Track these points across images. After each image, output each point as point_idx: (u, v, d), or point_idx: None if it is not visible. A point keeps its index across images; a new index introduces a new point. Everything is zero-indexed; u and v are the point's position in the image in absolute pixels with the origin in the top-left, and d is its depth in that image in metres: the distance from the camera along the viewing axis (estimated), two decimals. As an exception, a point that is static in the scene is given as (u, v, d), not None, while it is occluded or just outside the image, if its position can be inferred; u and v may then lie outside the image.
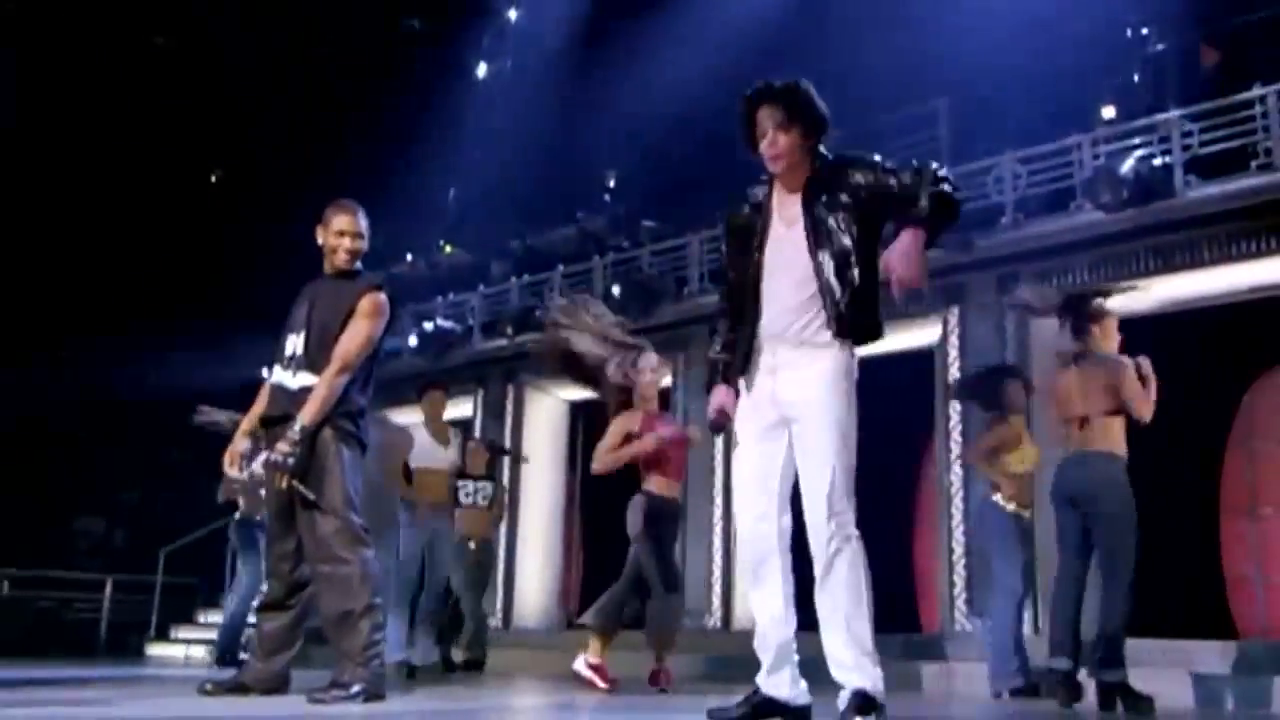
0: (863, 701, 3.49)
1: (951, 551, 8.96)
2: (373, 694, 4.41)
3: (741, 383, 3.77)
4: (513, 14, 16.60)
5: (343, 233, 4.80)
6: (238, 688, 4.66)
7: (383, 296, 4.78)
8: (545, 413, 12.67)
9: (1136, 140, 8.64)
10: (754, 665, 3.75)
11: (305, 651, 4.95)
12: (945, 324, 9.36)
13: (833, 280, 3.61)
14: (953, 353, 9.27)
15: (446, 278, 14.14)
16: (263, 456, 4.63)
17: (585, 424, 12.81)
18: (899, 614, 9.24)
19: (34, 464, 15.38)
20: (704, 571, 10.30)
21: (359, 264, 4.88)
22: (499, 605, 11.71)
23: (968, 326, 9.24)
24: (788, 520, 3.70)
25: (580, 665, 6.52)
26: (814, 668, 3.68)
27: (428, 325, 12.86)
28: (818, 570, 3.58)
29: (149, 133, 15.85)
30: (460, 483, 8.51)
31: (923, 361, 9.47)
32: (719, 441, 9.64)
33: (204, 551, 11.26)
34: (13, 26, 15.05)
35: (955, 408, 9.14)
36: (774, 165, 3.71)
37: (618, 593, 6.65)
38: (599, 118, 13.54)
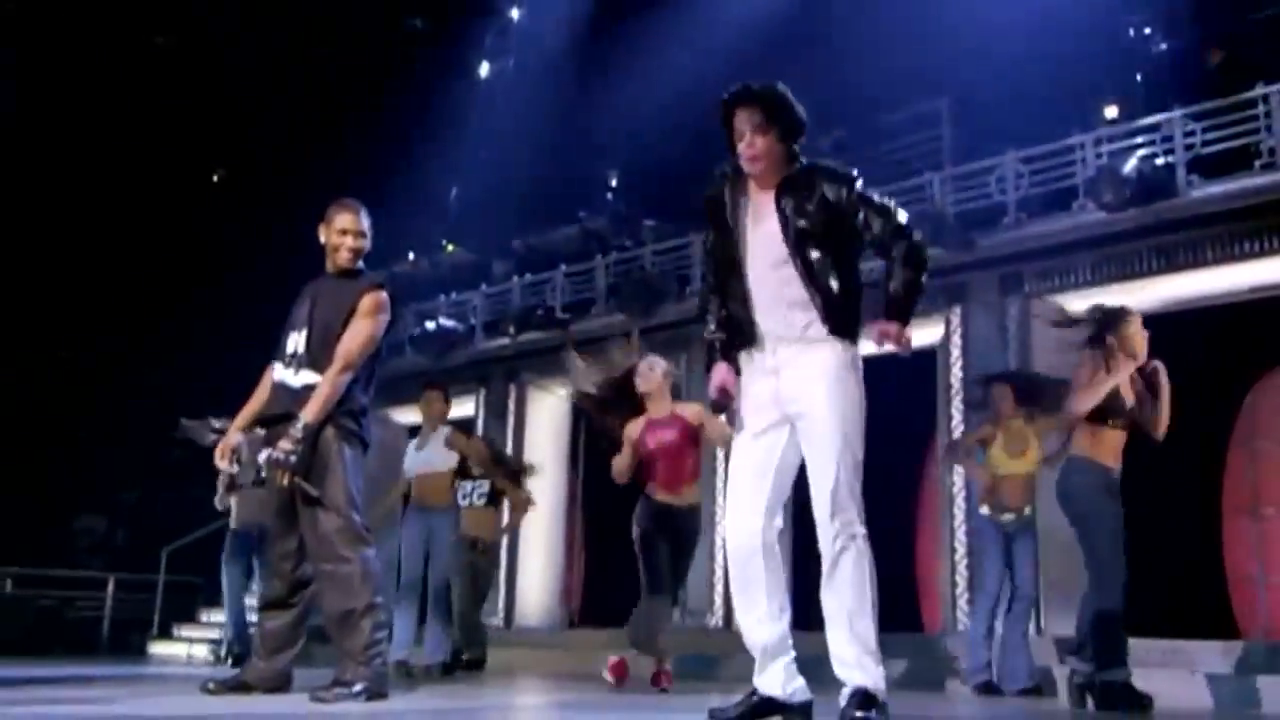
0: (863, 699, 3.49)
1: (953, 551, 8.96)
2: (375, 693, 4.41)
3: (745, 380, 3.77)
4: (515, 13, 16.60)
5: (345, 231, 4.80)
6: (240, 686, 4.65)
7: (384, 295, 4.78)
8: (547, 412, 12.67)
9: (1139, 140, 8.64)
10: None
11: (307, 650, 4.95)
12: (948, 323, 9.36)
13: (818, 280, 3.61)
14: (955, 352, 9.28)
15: (448, 277, 14.15)
16: (265, 453, 4.61)
17: (587, 423, 12.80)
18: (901, 613, 9.24)
19: (36, 462, 15.39)
20: (705, 571, 10.30)
21: (361, 263, 4.88)
22: (500, 604, 11.72)
23: (970, 326, 9.24)
24: (780, 520, 3.70)
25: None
26: (815, 665, 3.68)
27: (430, 324, 12.86)
28: (824, 568, 3.58)
29: (150, 133, 15.86)
30: (458, 483, 8.45)
31: (925, 361, 9.46)
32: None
33: (206, 550, 11.24)
34: (13, 26, 15.05)
35: (957, 407, 9.15)
36: (751, 166, 3.72)
37: (639, 605, 6.68)
38: (601, 117, 13.55)
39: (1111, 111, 9.44)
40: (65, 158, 15.64)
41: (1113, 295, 8.82)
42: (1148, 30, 10.07)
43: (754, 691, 3.67)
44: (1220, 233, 8.16)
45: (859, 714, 3.45)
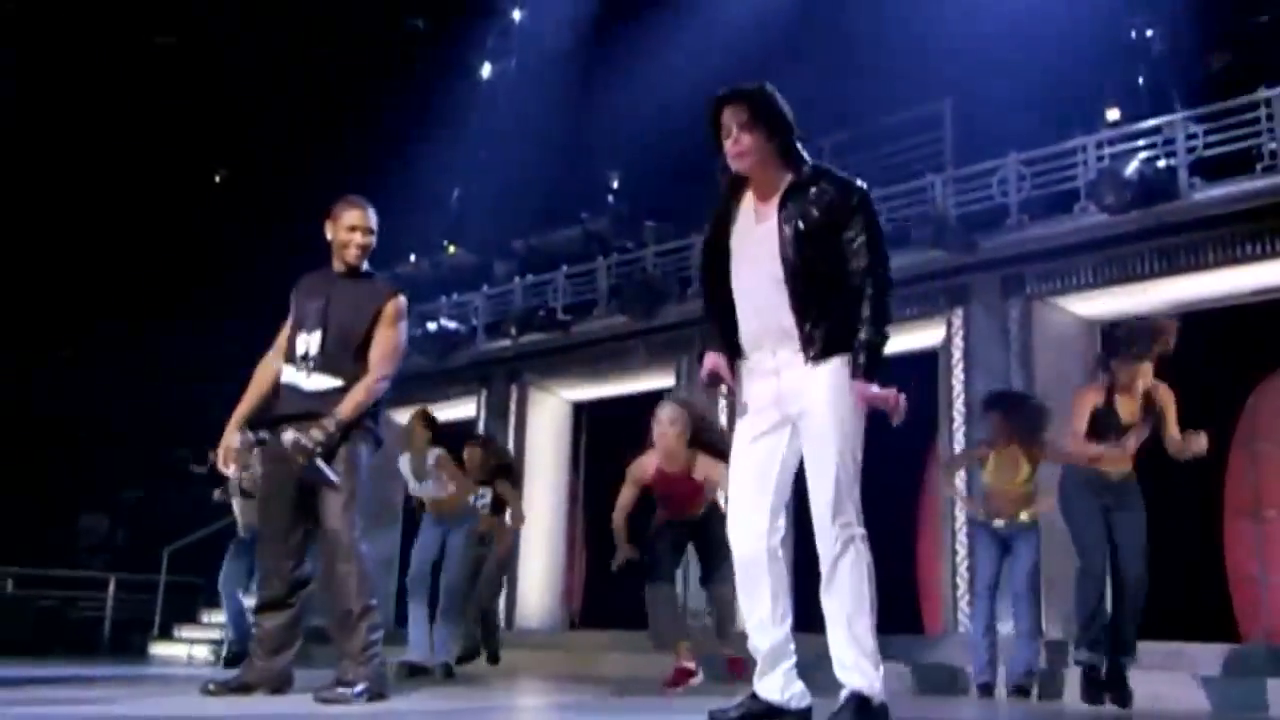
0: (859, 703, 3.49)
1: (954, 553, 8.96)
2: (375, 693, 4.42)
3: (745, 381, 3.77)
4: (517, 14, 16.60)
5: (354, 228, 4.77)
6: (241, 687, 4.65)
7: (404, 300, 4.84)
8: (549, 413, 12.68)
9: (1141, 142, 8.64)
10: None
11: (306, 650, 4.95)
12: (949, 325, 9.36)
13: (817, 289, 3.62)
14: (957, 354, 9.28)
15: (450, 278, 14.15)
16: (290, 435, 4.51)
17: (589, 424, 12.83)
18: (902, 616, 9.24)
19: (37, 462, 15.40)
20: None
21: (366, 261, 4.87)
22: (501, 605, 11.71)
23: (972, 328, 9.24)
24: (783, 521, 3.70)
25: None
26: (815, 669, 3.68)
27: (431, 325, 12.87)
28: (823, 570, 3.58)
29: (151, 133, 15.87)
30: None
31: (927, 363, 9.47)
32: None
33: (207, 551, 11.25)
34: (14, 26, 15.06)
35: (959, 409, 9.15)
36: (738, 163, 3.74)
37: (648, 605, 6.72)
38: (603, 118, 13.54)
39: (1113, 114, 9.44)
40: (66, 158, 15.64)
41: (1114, 297, 8.87)
42: (1149, 33, 10.06)
43: (753, 695, 3.67)
44: (1222, 235, 8.15)
45: (854, 718, 3.45)
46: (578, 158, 13.98)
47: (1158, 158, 8.43)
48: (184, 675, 8.01)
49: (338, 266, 4.82)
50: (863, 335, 3.59)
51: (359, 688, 4.37)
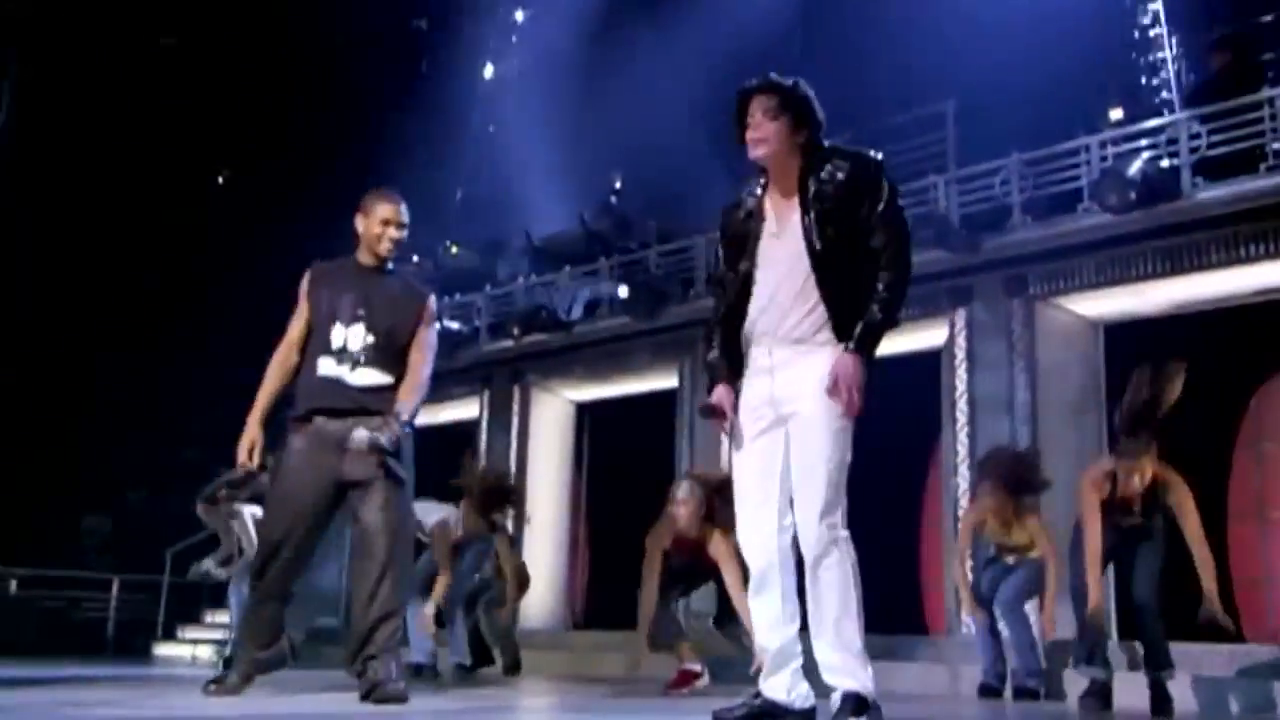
0: (857, 704, 3.48)
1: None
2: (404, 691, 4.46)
3: (742, 384, 3.76)
4: (520, 15, 16.61)
5: (388, 222, 4.75)
6: (245, 680, 4.62)
7: (435, 301, 4.93)
8: (552, 413, 12.67)
9: (1144, 142, 8.61)
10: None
11: (314, 650, 4.95)
12: (952, 326, 9.34)
13: (826, 279, 3.60)
14: (959, 354, 9.26)
15: (453, 278, 14.15)
16: (361, 433, 4.49)
17: (592, 425, 12.83)
18: (905, 616, 9.23)
19: (41, 463, 15.41)
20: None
21: None
22: (504, 606, 11.71)
23: (975, 328, 9.22)
24: (790, 521, 3.69)
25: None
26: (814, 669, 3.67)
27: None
28: (808, 570, 3.56)
29: (154, 134, 15.88)
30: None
31: (929, 363, 9.45)
32: (725, 444, 9.65)
33: (211, 552, 11.25)
34: (19, 27, 15.07)
35: (961, 409, 9.13)
36: (755, 149, 3.68)
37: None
38: (606, 119, 13.55)
39: (1116, 114, 9.42)
40: (69, 158, 15.66)
41: (1117, 298, 8.86)
42: (1153, 32, 10.05)
43: (758, 694, 3.67)
44: (1225, 235, 8.13)
45: (853, 718, 3.45)
46: (580, 158, 13.98)
47: (1161, 157, 8.41)
48: (189, 676, 8.02)
49: (366, 260, 4.78)
50: (872, 312, 3.56)
51: (402, 682, 4.40)
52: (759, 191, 3.78)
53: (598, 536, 12.53)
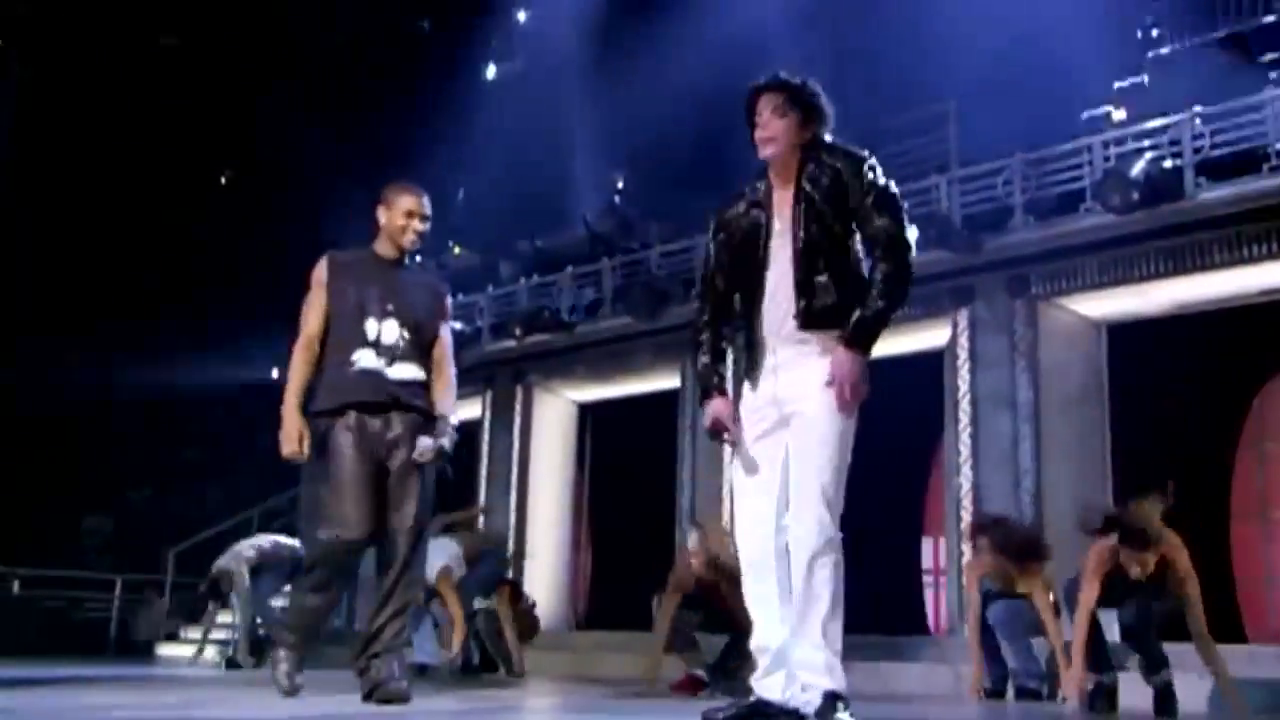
0: (838, 701, 3.48)
1: (960, 554, 8.93)
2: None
3: (745, 384, 3.75)
4: (522, 15, 16.61)
5: (411, 213, 4.69)
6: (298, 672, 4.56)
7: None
8: (554, 414, 12.68)
9: (1147, 142, 8.61)
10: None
11: (319, 650, 4.94)
12: (955, 326, 9.34)
13: (813, 276, 3.59)
14: (962, 355, 9.26)
15: (455, 279, 14.16)
16: (428, 442, 4.53)
17: (594, 425, 12.83)
18: (907, 616, 9.22)
19: (43, 463, 15.43)
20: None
21: None
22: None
23: (977, 328, 9.22)
24: (789, 521, 3.68)
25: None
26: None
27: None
28: (798, 569, 3.54)
29: (157, 134, 15.89)
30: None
31: (932, 363, 9.45)
32: (727, 447, 9.66)
33: (213, 552, 11.27)
34: (22, 27, 15.09)
35: (964, 409, 9.13)
36: (764, 148, 3.68)
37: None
38: (607, 119, 13.55)
39: (1119, 114, 9.42)
40: (69, 158, 15.67)
41: (1120, 298, 8.86)
42: (1155, 32, 10.04)
43: (750, 692, 3.66)
44: (1228, 235, 8.13)
45: (836, 715, 3.44)
46: (582, 159, 13.99)
47: (1163, 158, 8.40)
48: (191, 676, 8.03)
49: (387, 252, 4.72)
50: (868, 304, 3.55)
51: (404, 681, 4.39)
52: (760, 188, 3.77)
53: (600, 536, 12.54)
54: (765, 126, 3.65)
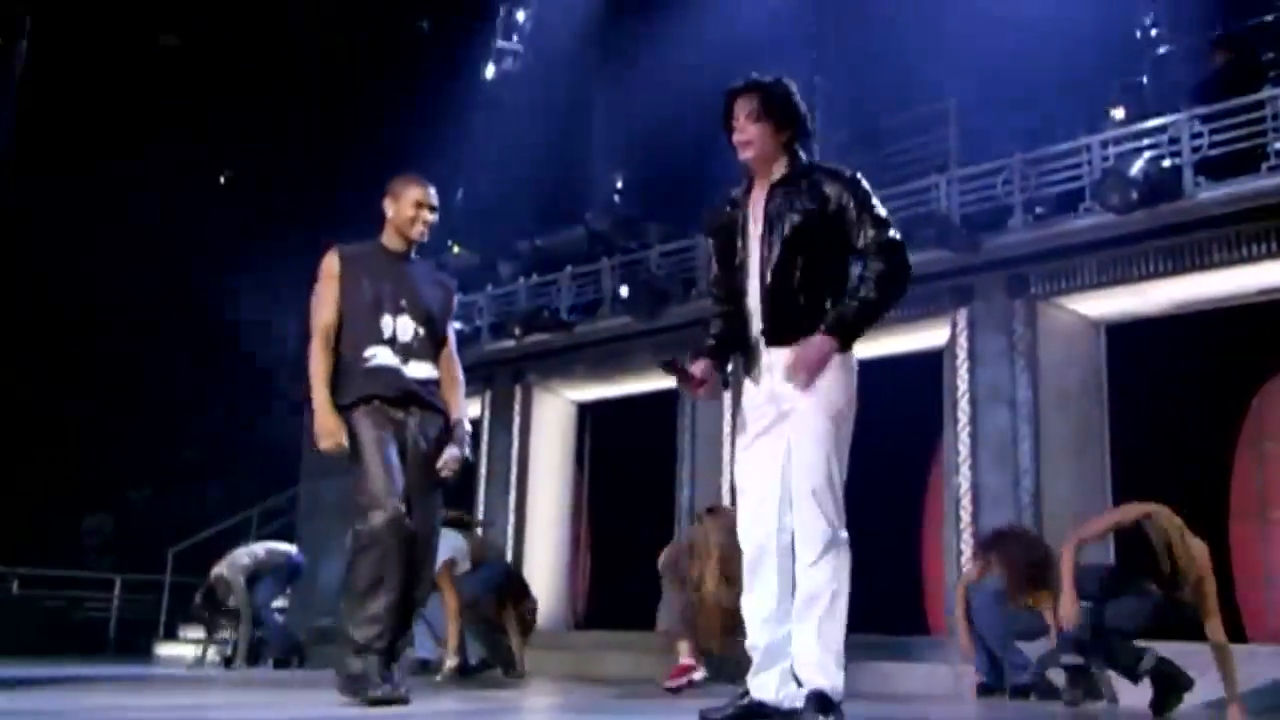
0: (821, 702, 3.47)
1: (960, 554, 8.93)
2: None
3: (747, 380, 3.78)
4: (521, 14, 16.60)
5: (420, 204, 4.66)
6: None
7: None
8: (553, 413, 12.68)
9: (1146, 141, 8.61)
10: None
11: (314, 652, 4.94)
12: (954, 325, 9.34)
13: (785, 280, 3.62)
14: (961, 354, 9.26)
15: (454, 278, 14.15)
16: (453, 452, 4.53)
17: (593, 425, 12.83)
18: (908, 616, 9.22)
19: (43, 462, 15.43)
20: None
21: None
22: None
23: (976, 328, 9.22)
24: (790, 520, 3.69)
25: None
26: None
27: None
28: (801, 565, 3.55)
29: (156, 133, 15.89)
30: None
31: (931, 362, 9.45)
32: (725, 442, 9.68)
33: (213, 551, 11.30)
34: (20, 26, 15.08)
35: (963, 409, 9.13)
36: (742, 153, 3.75)
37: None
38: (607, 119, 13.55)
39: (1118, 113, 9.42)
40: (69, 158, 15.67)
41: (1119, 297, 8.86)
42: (1154, 31, 10.04)
43: (745, 693, 3.65)
44: (1227, 235, 8.13)
45: (818, 716, 3.44)
46: (582, 158, 13.98)
47: (1163, 157, 8.40)
48: (191, 676, 8.03)
49: (395, 244, 4.68)
50: (854, 295, 3.60)
51: (404, 686, 4.36)
52: (742, 192, 3.83)
53: (599, 536, 12.54)
54: (742, 130, 3.72)
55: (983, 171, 9.38)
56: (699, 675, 6.74)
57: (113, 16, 15.48)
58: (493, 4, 16.38)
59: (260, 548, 10.32)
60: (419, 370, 4.54)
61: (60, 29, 15.18)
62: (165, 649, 12.54)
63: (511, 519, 12.09)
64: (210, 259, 15.97)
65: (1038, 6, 9.91)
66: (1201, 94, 8.68)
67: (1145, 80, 9.76)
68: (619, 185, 13.90)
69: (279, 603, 11.00)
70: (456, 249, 14.81)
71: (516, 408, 12.51)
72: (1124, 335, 9.17)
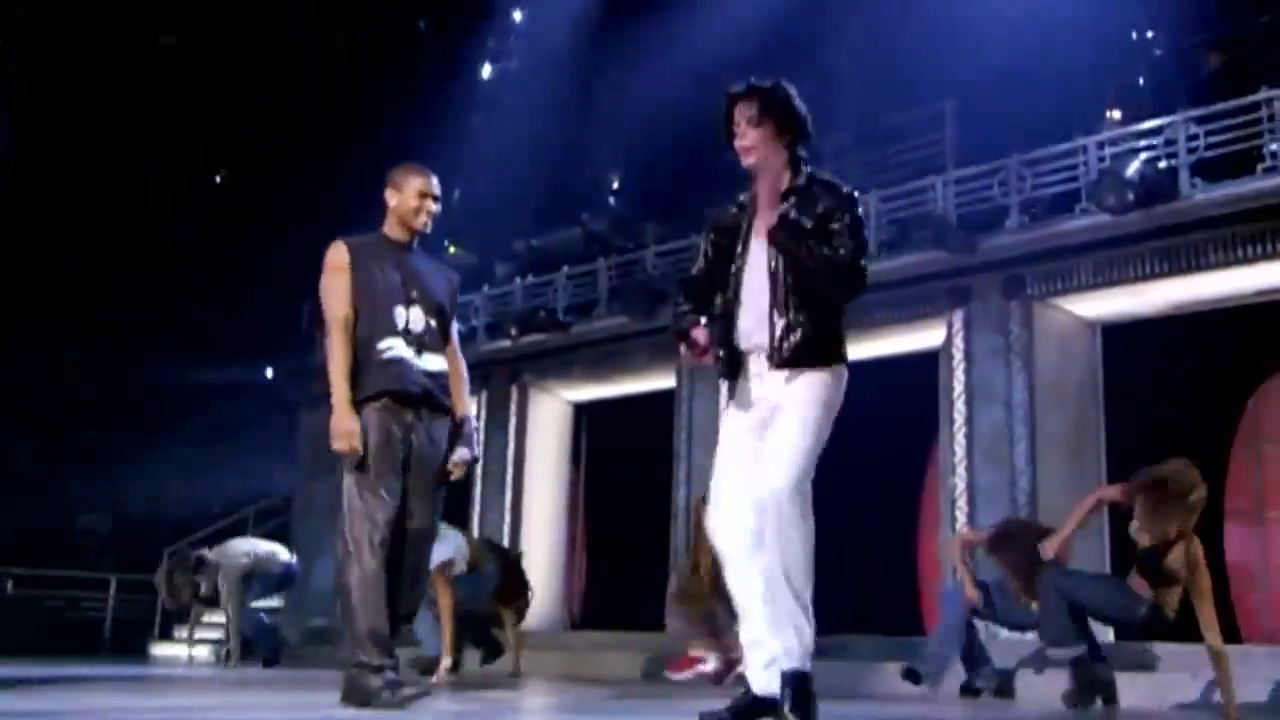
0: (794, 679, 3.51)
1: (956, 554, 8.94)
2: None
3: (731, 382, 3.79)
4: (518, 15, 16.61)
5: (424, 194, 4.58)
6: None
7: None
8: (549, 413, 12.68)
9: (1142, 143, 8.63)
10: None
11: (312, 651, 4.94)
12: (950, 326, 9.36)
13: (790, 295, 3.62)
14: (957, 355, 9.27)
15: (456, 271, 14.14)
16: (465, 452, 4.49)
17: (589, 425, 12.83)
18: (904, 616, 9.22)
19: (39, 461, 15.41)
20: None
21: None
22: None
23: (972, 328, 9.24)
24: (759, 515, 3.66)
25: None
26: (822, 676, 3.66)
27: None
28: (769, 514, 3.52)
29: (154, 133, 15.88)
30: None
31: (927, 363, 9.47)
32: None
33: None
34: (20, 25, 15.07)
35: (959, 410, 9.14)
36: (744, 158, 3.74)
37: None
38: (603, 119, 13.55)
39: (1115, 114, 9.44)
40: (68, 157, 15.66)
41: (1115, 298, 8.88)
42: (1150, 33, 10.06)
43: (746, 691, 3.64)
44: (1223, 236, 8.15)
45: (791, 699, 3.49)
46: (578, 159, 13.99)
47: (1159, 158, 8.42)
48: (186, 676, 8.03)
49: (399, 235, 4.59)
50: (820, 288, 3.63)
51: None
52: (749, 198, 3.82)
53: (595, 537, 12.54)
54: (742, 136, 3.71)
55: (979, 173, 9.40)
56: (706, 668, 6.77)
57: (112, 16, 15.47)
58: (490, 4, 16.38)
59: (261, 548, 10.25)
60: (431, 362, 4.47)
61: (60, 29, 15.18)
62: (160, 649, 12.54)
63: (508, 519, 12.09)
64: (207, 258, 15.96)
65: (1034, 9, 9.93)
66: (1197, 96, 8.70)
67: (1141, 82, 9.79)
68: (615, 186, 13.91)
69: (270, 603, 11.01)
70: (453, 249, 14.82)
71: (513, 407, 12.51)
72: (1120, 336, 9.19)
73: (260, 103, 16.06)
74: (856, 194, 3.76)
